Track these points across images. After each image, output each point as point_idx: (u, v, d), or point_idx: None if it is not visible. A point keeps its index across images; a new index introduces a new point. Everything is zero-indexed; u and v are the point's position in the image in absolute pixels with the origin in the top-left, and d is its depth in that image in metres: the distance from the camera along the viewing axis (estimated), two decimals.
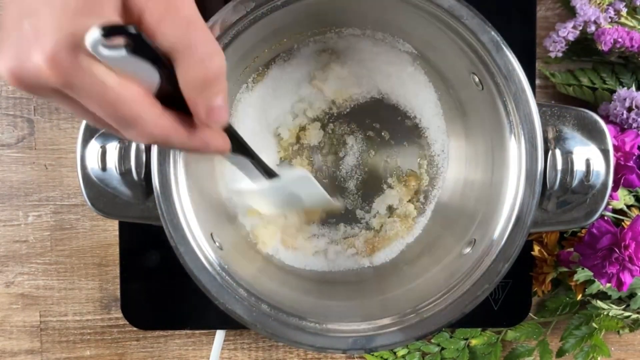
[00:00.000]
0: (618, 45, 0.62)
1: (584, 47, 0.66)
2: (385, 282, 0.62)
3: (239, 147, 0.45)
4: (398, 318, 0.52)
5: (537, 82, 0.67)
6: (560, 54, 0.65)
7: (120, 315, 0.67)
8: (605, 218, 0.62)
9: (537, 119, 0.50)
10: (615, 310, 0.66)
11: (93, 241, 0.68)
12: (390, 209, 0.64)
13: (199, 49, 0.33)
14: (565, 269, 0.65)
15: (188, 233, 0.51)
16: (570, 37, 0.64)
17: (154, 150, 0.50)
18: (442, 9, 0.50)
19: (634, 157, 0.59)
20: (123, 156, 0.51)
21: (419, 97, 0.64)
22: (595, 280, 0.62)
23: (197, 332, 0.69)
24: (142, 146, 0.51)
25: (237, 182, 0.55)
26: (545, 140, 0.51)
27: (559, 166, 0.51)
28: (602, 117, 0.58)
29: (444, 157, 0.64)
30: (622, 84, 0.66)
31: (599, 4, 0.63)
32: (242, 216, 0.63)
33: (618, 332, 0.68)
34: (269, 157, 0.64)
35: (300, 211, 0.63)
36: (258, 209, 0.60)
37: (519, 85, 0.50)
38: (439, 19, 0.52)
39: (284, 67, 0.63)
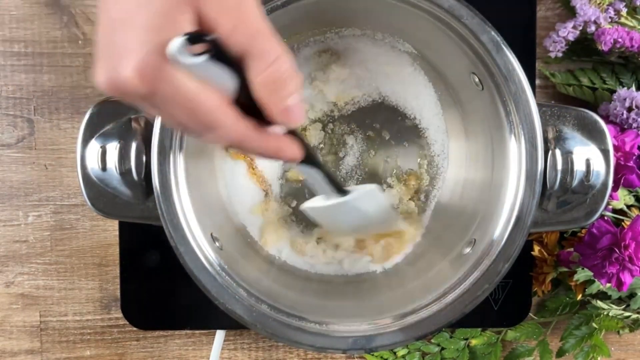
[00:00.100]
0: (618, 45, 0.62)
1: (584, 47, 0.66)
2: (385, 282, 0.62)
3: (310, 157, 0.46)
4: (398, 318, 0.52)
5: (537, 82, 0.67)
6: (560, 54, 0.65)
7: (120, 315, 0.67)
8: (605, 218, 0.62)
9: (537, 119, 0.50)
10: (615, 310, 0.66)
11: (93, 241, 0.68)
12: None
13: (268, 53, 0.36)
14: (565, 269, 0.65)
15: (188, 233, 0.51)
16: (570, 37, 0.64)
17: (154, 150, 0.50)
18: (442, 9, 0.51)
19: (634, 157, 0.59)
20: (123, 156, 0.51)
21: (419, 98, 0.64)
22: (595, 280, 0.62)
23: (197, 332, 0.69)
24: (142, 146, 0.51)
25: (309, 201, 0.56)
26: (545, 140, 0.51)
27: (559, 166, 0.51)
28: (602, 117, 0.58)
29: (444, 157, 0.64)
30: (622, 84, 0.66)
31: (599, 4, 0.63)
32: (242, 216, 0.63)
33: (618, 332, 0.68)
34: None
35: (368, 235, 0.63)
36: (327, 229, 0.61)
37: (519, 85, 0.50)
38: (439, 19, 0.52)
39: None
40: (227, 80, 0.36)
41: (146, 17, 0.33)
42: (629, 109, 0.62)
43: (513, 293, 0.67)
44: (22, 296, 0.68)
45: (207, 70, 0.34)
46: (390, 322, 0.52)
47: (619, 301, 0.67)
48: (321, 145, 0.64)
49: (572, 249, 0.64)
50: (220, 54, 0.34)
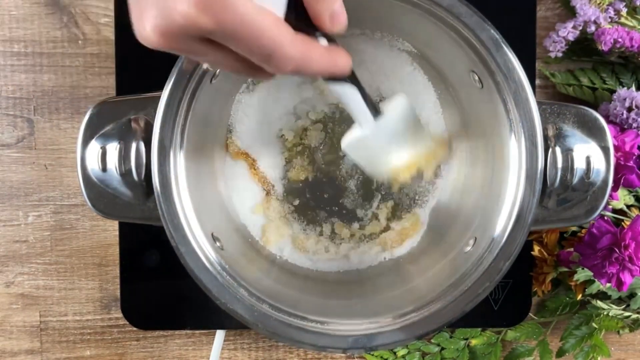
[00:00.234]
0: (618, 45, 0.62)
1: (584, 47, 0.66)
2: (386, 281, 0.62)
3: (352, 74, 0.46)
4: (399, 317, 0.52)
5: (537, 82, 0.67)
6: (560, 54, 0.65)
7: (120, 315, 0.67)
8: (605, 218, 0.62)
9: (537, 117, 0.50)
10: (615, 310, 0.66)
11: (93, 241, 0.68)
12: (393, 207, 0.65)
13: None
14: (565, 269, 0.65)
15: (189, 233, 0.51)
16: (570, 37, 0.64)
17: (154, 150, 0.50)
18: (441, 7, 0.50)
19: (634, 157, 0.59)
20: (123, 157, 0.51)
21: (418, 96, 0.64)
22: (595, 280, 0.62)
23: (197, 332, 0.69)
24: (143, 147, 0.51)
25: (347, 136, 0.54)
26: (546, 138, 0.51)
27: (559, 164, 0.51)
28: (602, 117, 0.58)
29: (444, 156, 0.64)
30: (622, 84, 0.66)
31: (599, 4, 0.63)
32: (243, 216, 0.63)
33: (618, 332, 0.68)
34: (275, 159, 0.64)
35: (405, 165, 0.59)
36: (366, 169, 0.59)
37: (518, 83, 0.50)
38: (438, 18, 0.52)
39: None
40: None
41: None
42: (629, 109, 0.62)
43: (513, 293, 0.67)
44: (22, 296, 0.68)
45: None
46: (391, 320, 0.52)
47: (619, 301, 0.67)
48: (322, 146, 0.64)
49: (572, 249, 0.64)
50: None
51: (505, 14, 0.64)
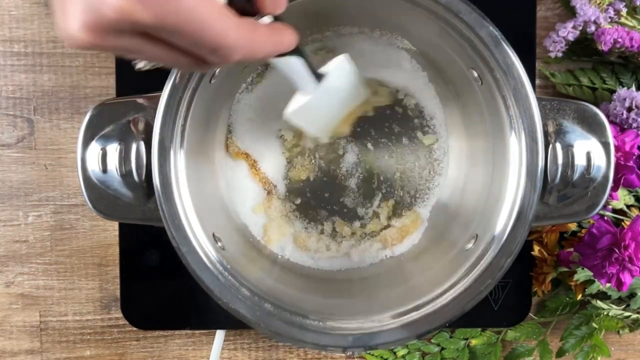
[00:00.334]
0: (618, 45, 0.62)
1: (584, 47, 0.66)
2: (387, 279, 0.62)
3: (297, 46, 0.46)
4: (400, 315, 0.52)
5: (537, 82, 0.67)
6: (560, 54, 0.65)
7: (120, 315, 0.67)
8: (605, 218, 0.62)
9: (537, 113, 0.50)
10: (615, 310, 0.66)
11: (93, 241, 0.68)
12: (394, 206, 0.65)
13: None
14: (565, 269, 0.65)
15: (190, 234, 0.50)
16: (570, 37, 0.64)
17: (154, 151, 0.50)
18: (440, 5, 0.50)
19: (634, 157, 0.59)
20: (123, 158, 0.51)
21: (418, 94, 0.64)
22: (595, 280, 0.62)
23: (197, 332, 0.69)
24: (143, 147, 0.51)
25: (290, 105, 0.54)
26: (546, 134, 0.51)
27: (560, 160, 0.51)
28: None
29: (445, 153, 0.64)
30: (622, 84, 0.66)
31: (599, 4, 0.63)
32: (244, 215, 0.63)
33: (618, 332, 0.68)
34: (275, 159, 0.64)
35: (344, 119, 0.61)
36: (311, 133, 0.60)
37: (518, 80, 0.50)
38: (437, 15, 0.52)
39: None
40: None
41: None
42: (629, 109, 0.62)
43: (513, 293, 0.67)
44: (22, 296, 0.68)
45: None
46: (393, 319, 0.52)
47: (619, 301, 0.67)
48: (319, 146, 0.64)
49: (572, 249, 0.64)
50: None
51: (505, 13, 0.64)
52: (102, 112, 0.52)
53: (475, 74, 0.54)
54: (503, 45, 0.50)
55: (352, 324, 0.52)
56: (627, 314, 0.66)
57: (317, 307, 0.54)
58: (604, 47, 0.62)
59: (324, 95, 0.54)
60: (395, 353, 0.69)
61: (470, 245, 0.55)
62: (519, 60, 0.50)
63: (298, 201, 0.64)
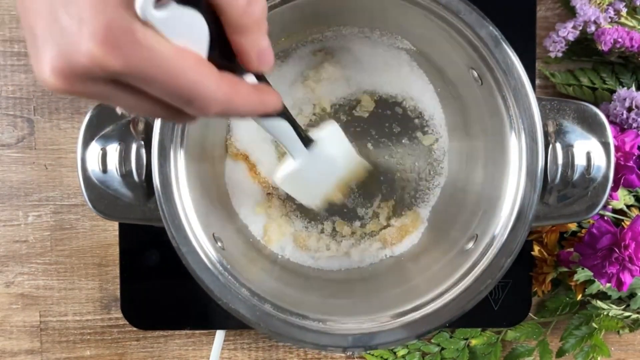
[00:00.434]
0: (618, 45, 0.62)
1: (584, 47, 0.66)
2: (387, 279, 0.62)
3: (283, 108, 0.45)
4: (400, 315, 0.52)
5: (537, 82, 0.67)
6: (560, 54, 0.65)
7: (120, 315, 0.67)
8: (605, 218, 0.62)
9: (537, 113, 0.50)
10: (615, 310, 0.66)
11: (93, 241, 0.68)
12: (394, 206, 0.65)
13: None
14: (565, 269, 0.65)
15: (190, 234, 0.50)
16: (570, 37, 0.64)
17: (154, 151, 0.50)
18: (439, 5, 0.50)
19: (634, 157, 0.59)
20: (124, 158, 0.51)
21: (417, 94, 0.64)
22: (595, 280, 0.62)
23: (197, 332, 0.69)
24: (143, 148, 0.51)
25: (276, 171, 0.55)
26: (546, 134, 0.51)
27: (560, 160, 0.51)
28: None
29: (445, 153, 0.64)
30: (622, 84, 0.66)
31: (599, 4, 0.63)
32: (244, 215, 0.63)
33: (618, 332, 0.68)
34: (275, 161, 0.64)
35: (337, 188, 0.61)
36: (302, 200, 0.60)
37: (518, 80, 0.50)
38: (437, 15, 0.52)
39: (281, 67, 0.63)
40: (199, 31, 0.32)
41: None
42: (629, 109, 0.62)
43: (513, 293, 0.67)
44: (22, 296, 0.68)
45: (178, 23, 0.31)
46: (392, 319, 0.52)
47: (619, 301, 0.67)
48: None
49: (572, 249, 0.64)
50: None
51: (505, 13, 0.64)
52: (102, 112, 0.52)
53: (475, 74, 0.54)
54: (503, 45, 0.50)
55: (352, 324, 0.52)
56: (627, 314, 0.66)
57: (317, 307, 0.54)
58: (604, 47, 0.62)
59: (314, 162, 0.54)
60: (395, 353, 0.69)
61: (470, 245, 0.55)
62: (519, 60, 0.50)
63: (298, 201, 0.64)
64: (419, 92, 0.64)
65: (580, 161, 0.52)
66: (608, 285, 0.61)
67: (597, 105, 0.65)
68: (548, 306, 0.68)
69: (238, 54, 0.35)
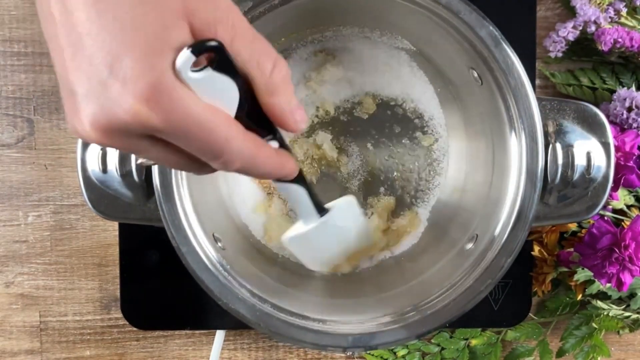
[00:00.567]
0: (618, 45, 0.62)
1: (584, 47, 0.66)
2: (387, 279, 0.62)
3: (299, 174, 0.46)
4: (400, 315, 0.52)
5: (537, 82, 0.67)
6: (560, 54, 0.65)
7: (120, 315, 0.67)
8: (605, 218, 0.62)
9: (537, 113, 0.50)
10: (615, 310, 0.66)
11: (93, 241, 0.68)
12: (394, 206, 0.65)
13: (269, 57, 0.35)
14: (565, 269, 0.65)
15: (190, 234, 0.50)
16: (570, 37, 0.64)
17: None
18: (440, 5, 0.50)
19: (634, 157, 0.59)
20: (123, 158, 0.51)
21: (417, 95, 0.64)
22: (595, 280, 0.62)
23: (197, 332, 0.69)
24: None
25: (290, 230, 0.56)
26: (546, 134, 0.51)
27: (560, 160, 0.51)
28: None
29: (445, 153, 0.64)
30: (622, 84, 0.66)
31: (599, 4, 0.63)
32: (244, 215, 0.63)
33: (618, 332, 0.68)
34: None
35: (345, 258, 0.63)
36: (306, 263, 0.60)
37: (518, 80, 0.50)
38: (437, 15, 0.52)
39: None
40: (230, 94, 0.34)
41: (144, 41, 0.29)
42: (629, 109, 0.62)
43: (513, 293, 0.67)
44: (22, 296, 0.68)
45: (212, 85, 0.33)
46: (393, 319, 0.52)
47: (619, 301, 0.67)
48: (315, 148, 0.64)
49: (572, 249, 0.64)
50: (225, 61, 0.33)
51: (505, 13, 0.64)
52: None
53: (475, 74, 0.54)
54: (503, 45, 0.50)
55: (352, 324, 0.52)
56: (627, 314, 0.66)
57: (317, 307, 0.54)
58: (604, 47, 0.62)
59: (324, 231, 0.54)
60: (395, 353, 0.69)
61: (470, 245, 0.55)
62: (519, 60, 0.50)
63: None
64: (419, 92, 0.64)
65: (580, 161, 0.52)
66: (608, 285, 0.61)
67: (597, 105, 0.65)
68: (548, 306, 0.68)
69: (273, 117, 0.37)
